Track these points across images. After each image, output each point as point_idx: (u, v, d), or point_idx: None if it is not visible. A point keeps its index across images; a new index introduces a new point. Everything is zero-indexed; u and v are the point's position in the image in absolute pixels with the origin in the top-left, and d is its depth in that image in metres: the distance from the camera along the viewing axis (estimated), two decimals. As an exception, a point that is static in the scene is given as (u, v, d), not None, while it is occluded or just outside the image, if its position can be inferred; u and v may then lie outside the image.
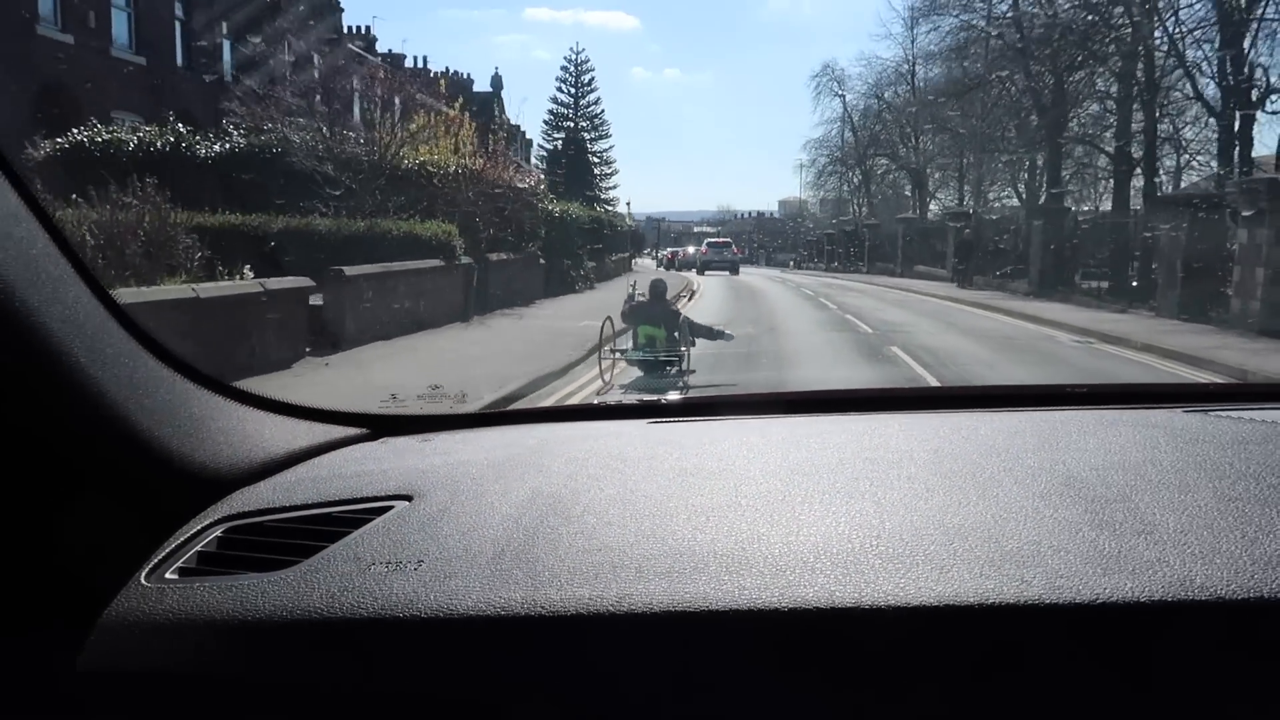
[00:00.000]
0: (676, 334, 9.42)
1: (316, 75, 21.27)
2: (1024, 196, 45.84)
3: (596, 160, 58.13)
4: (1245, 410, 1.45)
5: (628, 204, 58.68)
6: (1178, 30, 25.06)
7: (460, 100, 21.96)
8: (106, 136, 15.01)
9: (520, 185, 18.61)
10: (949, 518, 1.02)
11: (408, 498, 1.14)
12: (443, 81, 31.76)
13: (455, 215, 15.59)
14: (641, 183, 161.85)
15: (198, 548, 1.06)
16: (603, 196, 55.62)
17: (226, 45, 25.68)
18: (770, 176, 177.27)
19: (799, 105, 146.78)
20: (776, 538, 0.99)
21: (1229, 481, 1.10)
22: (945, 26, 35.91)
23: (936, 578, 0.89)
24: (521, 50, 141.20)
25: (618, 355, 9.56)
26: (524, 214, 18.23)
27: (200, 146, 15.31)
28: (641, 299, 10.05)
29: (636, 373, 9.47)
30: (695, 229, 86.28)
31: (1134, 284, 21.02)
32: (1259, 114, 23.15)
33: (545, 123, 58.32)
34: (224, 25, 25.28)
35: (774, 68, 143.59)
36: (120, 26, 21.62)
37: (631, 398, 5.33)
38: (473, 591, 0.91)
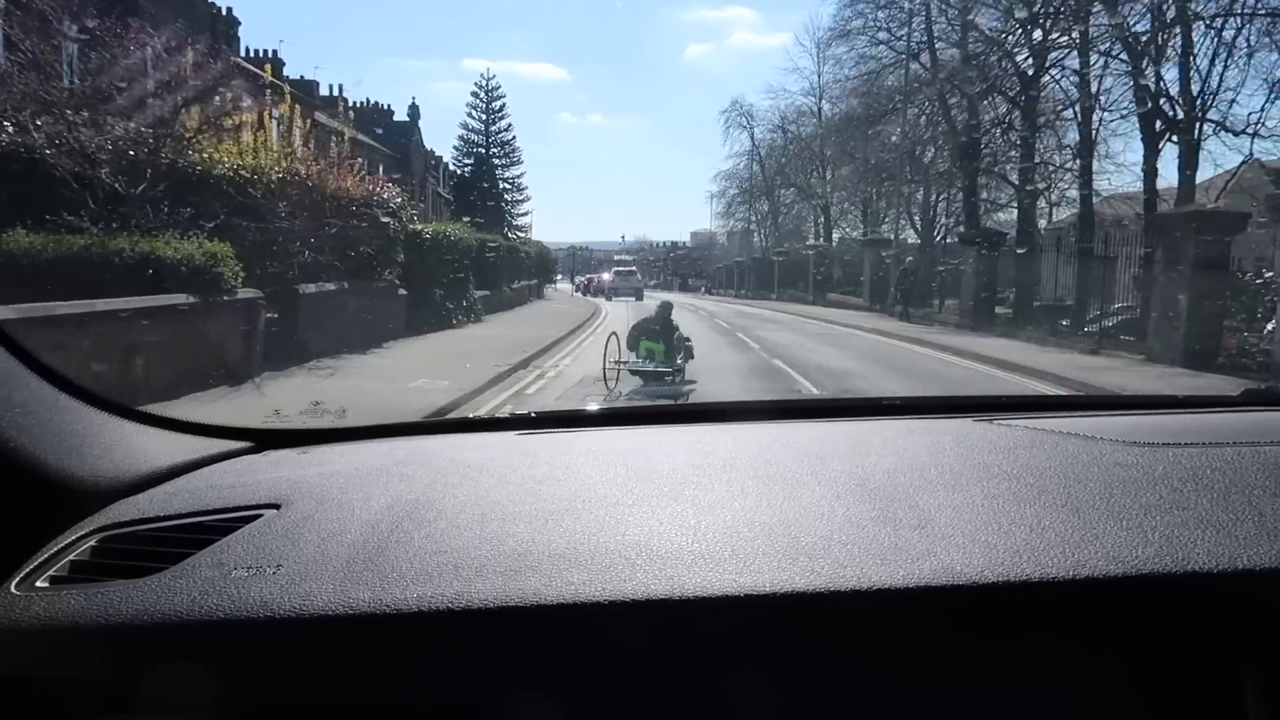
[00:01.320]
0: (675, 348, 9.74)
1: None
2: (919, 228, 43.27)
3: (508, 186, 53.35)
4: (1022, 419, 1.51)
5: (523, 229, 52.77)
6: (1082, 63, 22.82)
7: (286, 89, 16.76)
8: None
9: (363, 195, 13.59)
10: (757, 516, 1.07)
11: (276, 506, 1.13)
12: (343, 108, 27.15)
13: (257, 232, 10.57)
14: (567, 216, 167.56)
15: (70, 557, 1.03)
16: (515, 223, 51.09)
17: None
18: (683, 209, 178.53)
19: (710, 144, 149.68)
20: (606, 538, 1.01)
21: (995, 481, 1.17)
22: (850, 60, 32.33)
23: (739, 570, 0.93)
24: (458, 97, 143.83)
25: (621, 366, 9.66)
26: (367, 233, 13.25)
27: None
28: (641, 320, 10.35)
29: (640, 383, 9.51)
30: (615, 257, 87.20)
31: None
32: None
33: (455, 149, 53.12)
34: None
35: (688, 112, 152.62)
36: None
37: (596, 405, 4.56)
38: (325, 593, 0.91)
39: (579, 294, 54.88)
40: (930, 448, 1.32)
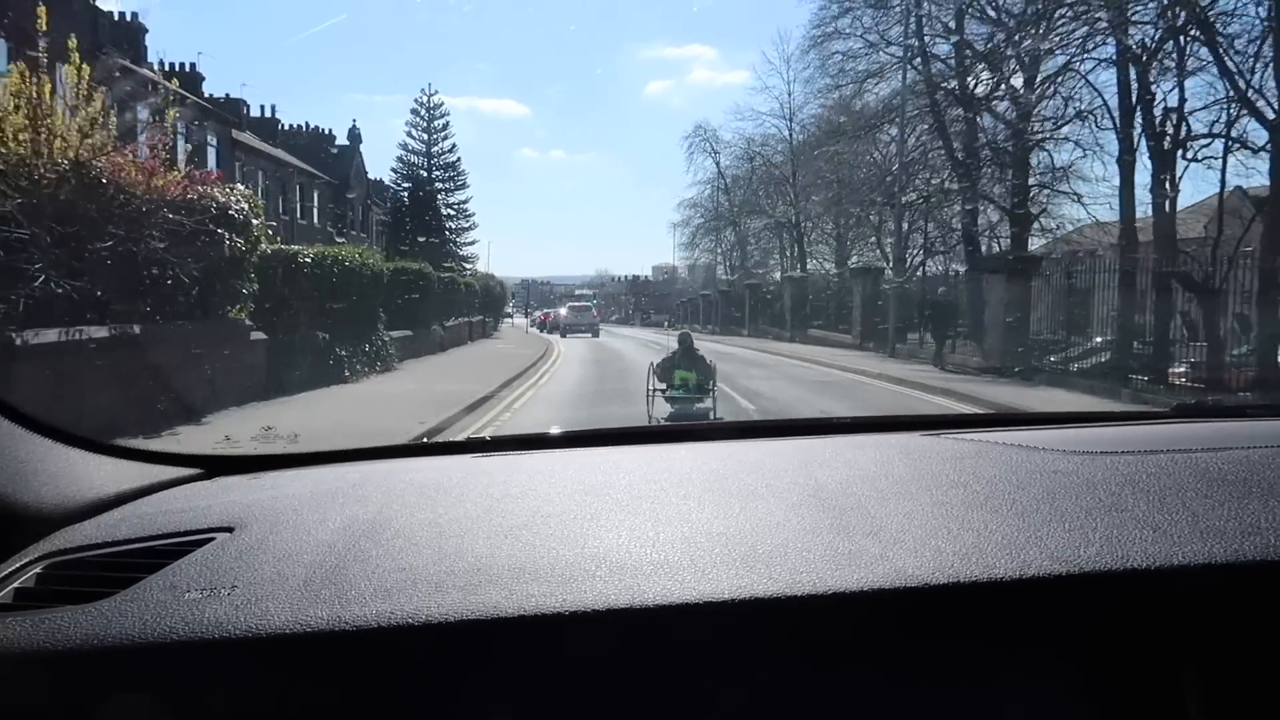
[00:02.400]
0: (705, 375, 10.04)
1: None
2: (890, 258, 39.87)
3: (452, 212, 47.26)
4: (968, 433, 1.55)
5: (469, 260, 46.90)
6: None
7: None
8: None
9: (185, 196, 9.02)
10: (714, 527, 1.06)
11: (229, 529, 1.10)
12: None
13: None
14: (528, 250, 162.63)
15: (15, 584, 1.00)
16: (460, 252, 45.32)
17: None
18: (645, 243, 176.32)
19: (671, 179, 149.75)
20: (565, 551, 1.00)
21: (944, 489, 1.18)
22: (832, 68, 28.50)
23: (698, 578, 0.93)
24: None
25: (657, 393, 9.96)
26: (184, 252, 8.66)
27: None
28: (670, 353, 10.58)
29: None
30: (576, 291, 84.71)
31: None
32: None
33: (393, 170, 46.84)
34: None
35: (649, 147, 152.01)
36: None
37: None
38: (282, 612, 0.89)
39: (535, 330, 50.59)
40: (880, 460, 1.34)
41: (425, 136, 45.60)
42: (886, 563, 0.96)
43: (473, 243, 48.36)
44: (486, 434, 1.86)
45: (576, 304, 47.84)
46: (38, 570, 1.02)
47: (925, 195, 27.10)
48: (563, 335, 41.38)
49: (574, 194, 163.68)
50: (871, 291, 25.28)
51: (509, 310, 56.22)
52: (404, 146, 46.52)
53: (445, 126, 46.95)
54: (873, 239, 42.79)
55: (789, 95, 42.34)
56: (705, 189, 53.92)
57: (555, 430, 1.78)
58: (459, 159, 46.29)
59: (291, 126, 45.96)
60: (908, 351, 21.73)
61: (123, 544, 1.08)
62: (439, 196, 44.48)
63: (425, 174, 44.97)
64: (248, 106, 42.86)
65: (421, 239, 36.40)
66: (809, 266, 49.77)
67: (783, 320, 35.03)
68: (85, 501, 1.18)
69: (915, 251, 43.11)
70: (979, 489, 1.17)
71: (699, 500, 1.16)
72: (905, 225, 42.06)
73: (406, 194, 44.10)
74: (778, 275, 50.12)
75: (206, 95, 35.73)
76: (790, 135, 42.27)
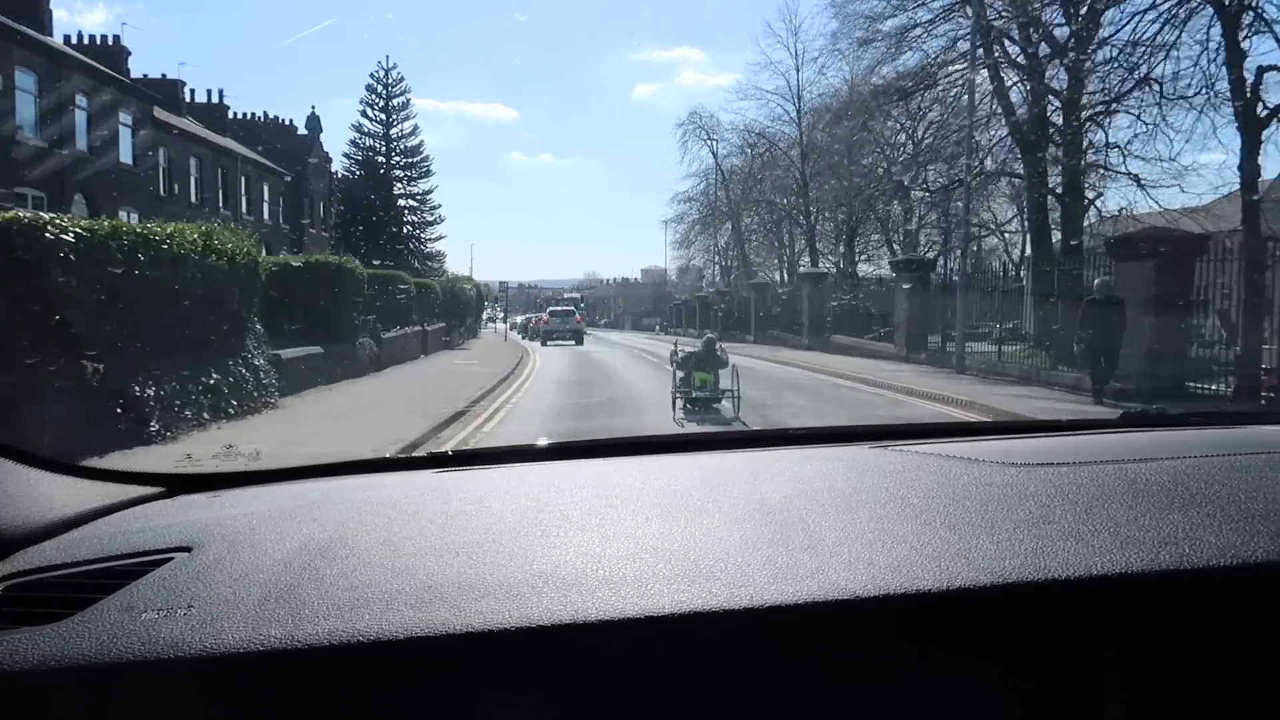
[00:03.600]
0: (724, 378, 10.41)
1: None
2: (898, 254, 34.91)
3: (414, 204, 39.91)
4: (915, 445, 1.53)
5: (434, 258, 40.29)
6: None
7: None
8: None
9: None
10: (660, 543, 1.07)
11: (188, 549, 1.10)
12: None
13: None
14: (516, 253, 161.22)
15: None
16: (424, 249, 38.65)
17: None
18: (634, 244, 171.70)
19: (661, 181, 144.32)
20: (514, 568, 1.01)
21: (881, 503, 1.18)
22: (859, 20, 23.19)
23: (640, 593, 0.94)
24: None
25: (681, 394, 10.35)
26: None
27: None
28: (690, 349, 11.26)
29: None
30: (565, 295, 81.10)
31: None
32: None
33: (346, 155, 39.35)
34: None
35: (637, 150, 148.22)
36: None
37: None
38: (236, 632, 0.89)
39: (517, 336, 45.30)
40: (825, 473, 1.35)
41: (383, 117, 38.77)
42: (821, 576, 0.97)
43: (439, 239, 41.44)
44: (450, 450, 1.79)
45: (558, 308, 41.83)
46: None
47: (977, 172, 21.78)
48: (543, 343, 36.78)
49: (563, 197, 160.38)
50: (920, 291, 20.01)
51: (489, 316, 50.72)
52: (358, 129, 39.05)
53: (405, 106, 39.64)
54: (876, 236, 37.99)
55: (796, 70, 37.12)
56: (700, 181, 48.71)
57: (514, 444, 1.78)
58: (421, 143, 39.25)
59: (246, 115, 40.29)
60: (984, 365, 16.47)
61: (82, 564, 1.07)
62: (398, 185, 38.04)
63: (383, 159, 38.31)
64: (191, 91, 37.25)
65: (376, 236, 30.57)
66: (819, 266, 44.82)
67: (798, 325, 29.81)
68: (46, 522, 1.17)
69: (926, 248, 38.32)
70: (915, 502, 1.18)
71: (647, 516, 1.16)
72: (915, 219, 37.46)
73: (357, 182, 37.50)
74: (776, 276, 45.23)
75: (131, 73, 30.22)
76: (799, 114, 37.00)
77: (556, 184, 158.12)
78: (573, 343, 36.11)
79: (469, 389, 13.22)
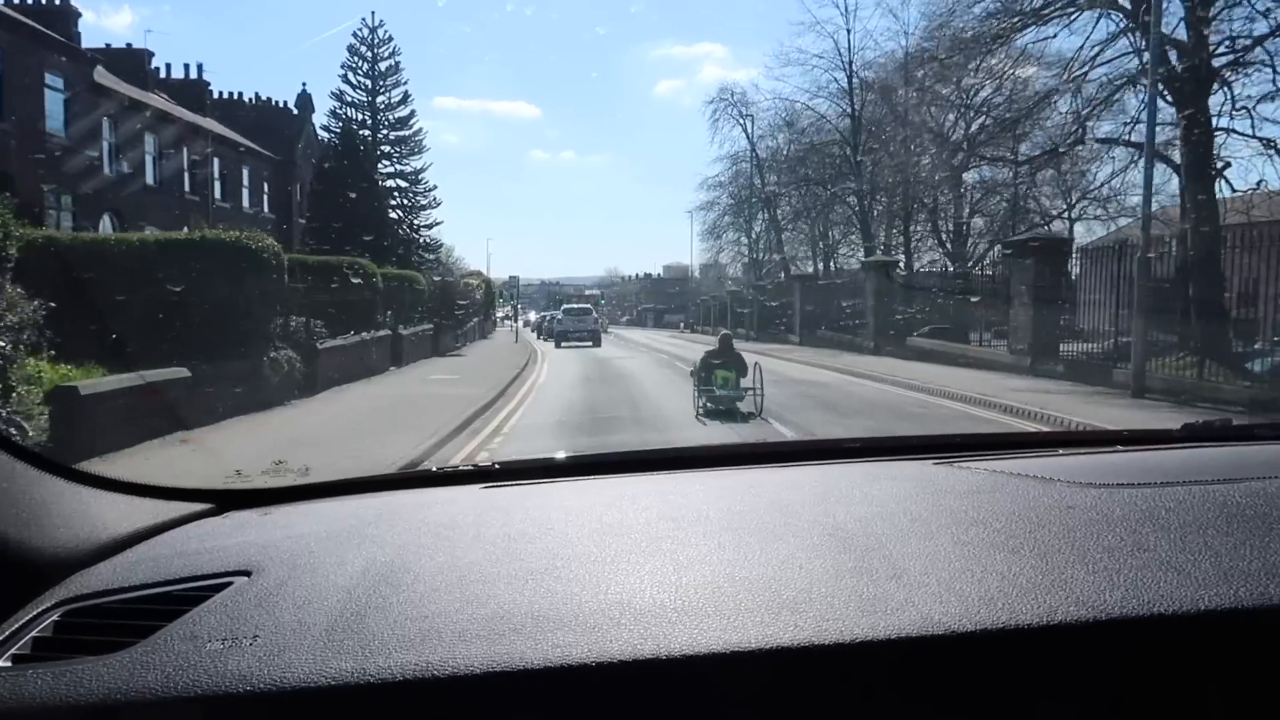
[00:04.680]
0: (744, 377, 10.44)
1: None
2: (949, 247, 29.75)
3: (403, 183, 33.21)
4: (979, 461, 1.49)
5: (430, 248, 34.31)
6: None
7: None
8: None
9: None
10: (737, 571, 1.03)
11: (247, 573, 1.07)
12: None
13: None
14: (538, 252, 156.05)
15: (33, 633, 0.96)
16: (419, 238, 32.29)
17: None
18: (656, 241, 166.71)
19: (682, 176, 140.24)
20: (588, 597, 0.97)
21: (963, 527, 1.13)
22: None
23: (724, 626, 0.90)
24: (432, 135, 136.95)
25: (701, 390, 10.36)
26: None
27: None
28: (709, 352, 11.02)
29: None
30: (586, 291, 76.96)
31: None
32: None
33: (324, 129, 32.75)
34: None
35: (659, 147, 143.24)
36: None
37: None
38: (305, 664, 0.86)
39: (531, 336, 40.46)
40: (897, 494, 1.29)
41: (367, 83, 32.21)
42: (911, 609, 0.92)
43: (433, 225, 35.00)
44: (495, 463, 1.63)
45: (574, 306, 36.89)
46: (55, 618, 0.99)
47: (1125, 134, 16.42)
48: (557, 345, 32.00)
49: (584, 194, 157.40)
50: (1049, 280, 14.77)
51: (503, 315, 45.74)
52: (338, 96, 32.05)
53: (395, 70, 32.50)
54: (918, 226, 32.72)
55: (847, 31, 31.78)
56: (731, 166, 43.44)
57: (561, 455, 1.71)
58: (413, 114, 32.53)
59: (231, 95, 35.49)
60: (1172, 385, 11.23)
61: (139, 589, 1.05)
62: (385, 163, 31.98)
63: (368, 133, 31.89)
64: (166, 66, 32.73)
65: (354, 221, 25.26)
66: (835, 263, 39.45)
67: (851, 324, 24.62)
68: (100, 543, 1.14)
69: (975, 241, 33.12)
70: (998, 526, 1.13)
71: (719, 541, 1.12)
72: (967, 204, 32.13)
73: (339, 150, 30.47)
74: (810, 269, 39.89)
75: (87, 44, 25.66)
76: (850, 79, 31.60)
77: (578, 181, 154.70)
78: (589, 344, 31.50)
79: (410, 437, 8.20)
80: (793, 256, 43.12)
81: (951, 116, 27.66)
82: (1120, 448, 1.70)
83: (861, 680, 0.87)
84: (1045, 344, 14.68)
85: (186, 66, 34.09)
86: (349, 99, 31.45)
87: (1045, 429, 8.91)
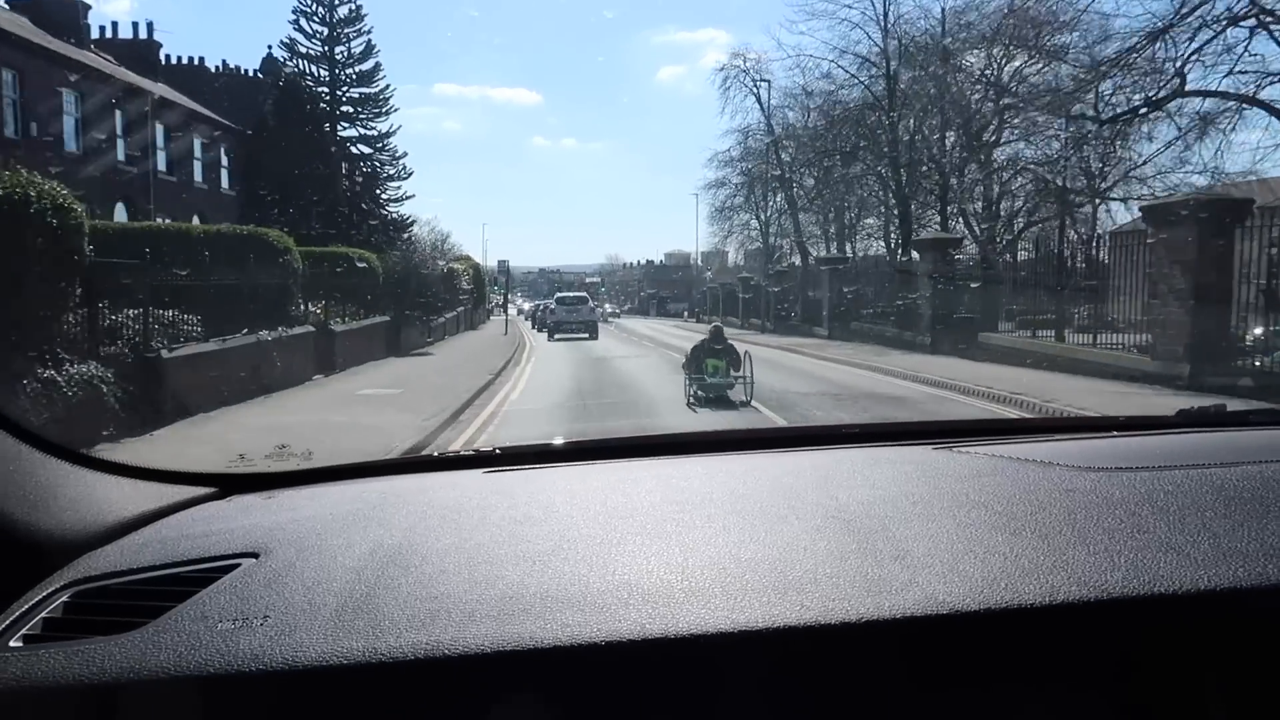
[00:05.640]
0: (733, 365, 10.50)
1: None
2: (978, 229, 25.80)
3: (367, 148, 26.69)
4: (978, 445, 1.47)
5: (401, 225, 27.78)
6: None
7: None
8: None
9: None
10: (742, 552, 1.02)
11: (254, 555, 1.06)
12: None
13: None
14: (538, 239, 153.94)
15: (43, 614, 0.96)
16: (386, 213, 26.22)
17: None
18: (657, 228, 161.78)
19: (684, 163, 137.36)
20: (595, 578, 0.97)
21: (965, 510, 1.13)
22: None
23: (731, 607, 0.90)
24: (432, 122, 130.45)
25: (692, 378, 10.42)
26: None
27: None
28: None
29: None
30: (586, 279, 75.10)
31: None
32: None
33: (260, 73, 25.98)
34: None
35: (661, 133, 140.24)
36: None
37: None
38: (317, 643, 0.86)
39: (526, 327, 36.39)
40: (898, 478, 1.29)
41: (323, 31, 25.72)
42: (916, 588, 0.92)
43: (405, 198, 29.63)
44: (496, 448, 1.58)
45: (568, 295, 32.96)
46: (64, 599, 0.99)
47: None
48: (550, 337, 28.11)
49: (585, 182, 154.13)
50: (1217, 254, 10.52)
51: (495, 303, 41.42)
52: (289, 46, 25.42)
53: (357, 19, 25.80)
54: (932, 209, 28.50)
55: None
56: (743, 139, 38.98)
57: (560, 441, 1.68)
58: (378, 67, 25.77)
59: (188, 61, 30.79)
60: None
61: (148, 570, 1.04)
62: (344, 126, 25.90)
63: (325, 91, 25.55)
64: (83, 9, 27.99)
65: (300, 193, 20.45)
66: (853, 248, 35.01)
67: (893, 316, 20.36)
68: (106, 525, 1.14)
69: (1002, 222, 28.94)
70: (1000, 509, 1.13)
71: (724, 523, 1.11)
72: (996, 188, 27.96)
73: (271, 113, 24.47)
74: (821, 251, 35.53)
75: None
76: (885, 31, 27.11)
77: (579, 168, 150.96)
78: (585, 337, 27.60)
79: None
80: (807, 238, 38.76)
81: (1016, 64, 23.39)
82: (1118, 433, 1.70)
83: (868, 659, 0.87)
84: (1211, 347, 10.44)
85: (135, 25, 29.70)
86: (302, 49, 25.75)
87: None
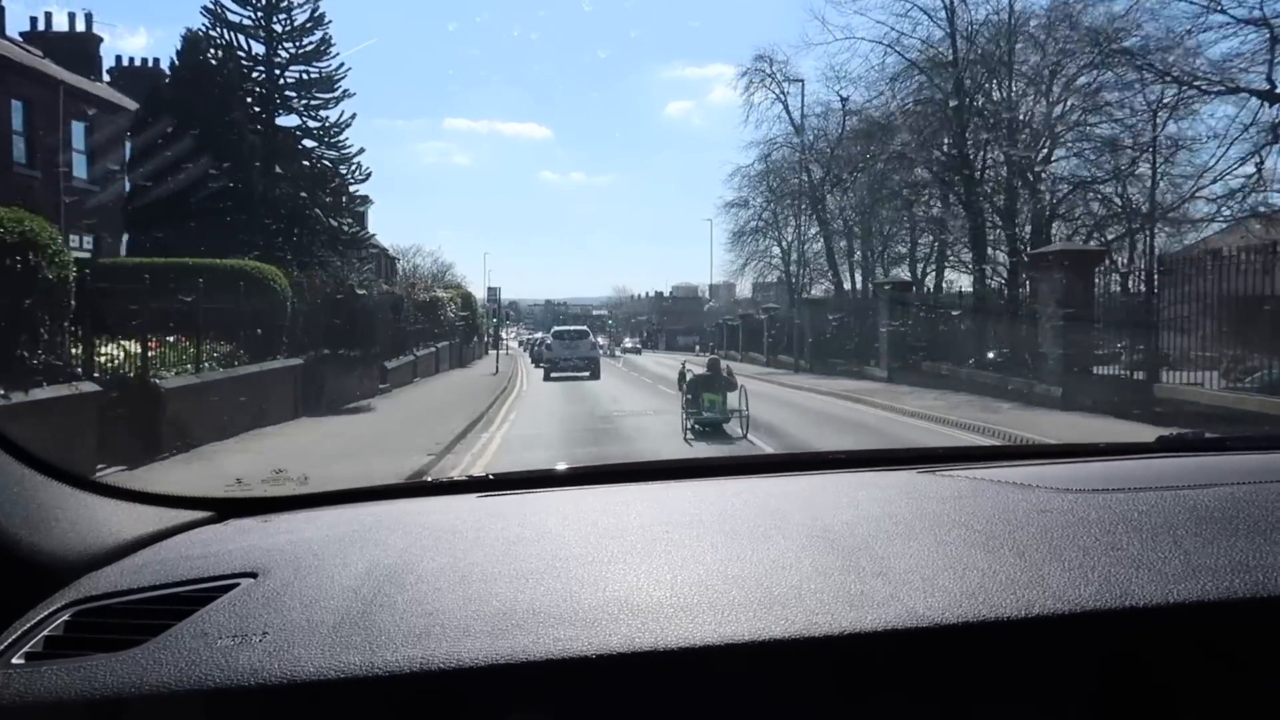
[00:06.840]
0: (731, 398, 10.44)
1: None
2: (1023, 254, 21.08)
3: (313, 140, 20.03)
4: (961, 470, 1.50)
5: (362, 240, 22.05)
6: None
7: None
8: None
9: None
10: (729, 569, 1.04)
11: (253, 575, 1.08)
12: None
13: None
14: (547, 272, 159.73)
15: (45, 632, 0.97)
16: (334, 222, 19.40)
17: None
18: (665, 261, 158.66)
19: (692, 197, 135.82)
20: (586, 594, 0.98)
21: (945, 529, 1.15)
22: None
23: (718, 621, 0.91)
24: (442, 155, 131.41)
25: (689, 412, 10.28)
26: None
27: None
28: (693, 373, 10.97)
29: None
30: (594, 312, 74.00)
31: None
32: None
33: (179, 53, 18.16)
34: None
35: (669, 167, 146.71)
36: None
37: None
38: (315, 658, 0.87)
39: (526, 363, 31.91)
40: (881, 500, 1.32)
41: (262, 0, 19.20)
42: (897, 603, 0.94)
43: (364, 204, 22.85)
44: (489, 473, 1.64)
45: (567, 329, 28.39)
46: (65, 618, 1.00)
47: None
48: (546, 377, 23.30)
49: (594, 215, 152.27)
50: None
51: (494, 338, 36.57)
52: (212, 12, 18.96)
53: None
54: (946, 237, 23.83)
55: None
56: (767, 153, 34.34)
57: (561, 467, 1.70)
58: (327, 39, 19.57)
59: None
60: None
61: (148, 590, 1.05)
62: (282, 112, 19.41)
63: (261, 70, 19.18)
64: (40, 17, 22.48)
65: (215, 196, 15.07)
66: (916, 274, 30.18)
67: (1019, 359, 15.35)
68: (106, 547, 1.15)
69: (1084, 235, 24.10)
70: (978, 528, 1.15)
71: (711, 542, 1.13)
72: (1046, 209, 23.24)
73: (167, 91, 18.03)
74: (845, 284, 30.70)
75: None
76: (951, 15, 22.33)
77: (587, 201, 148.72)
78: (586, 376, 23.19)
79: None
80: (826, 270, 34.00)
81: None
82: (1098, 458, 1.70)
83: (850, 670, 0.88)
84: None
85: (71, 15, 25.12)
86: (231, 17, 19.04)
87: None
